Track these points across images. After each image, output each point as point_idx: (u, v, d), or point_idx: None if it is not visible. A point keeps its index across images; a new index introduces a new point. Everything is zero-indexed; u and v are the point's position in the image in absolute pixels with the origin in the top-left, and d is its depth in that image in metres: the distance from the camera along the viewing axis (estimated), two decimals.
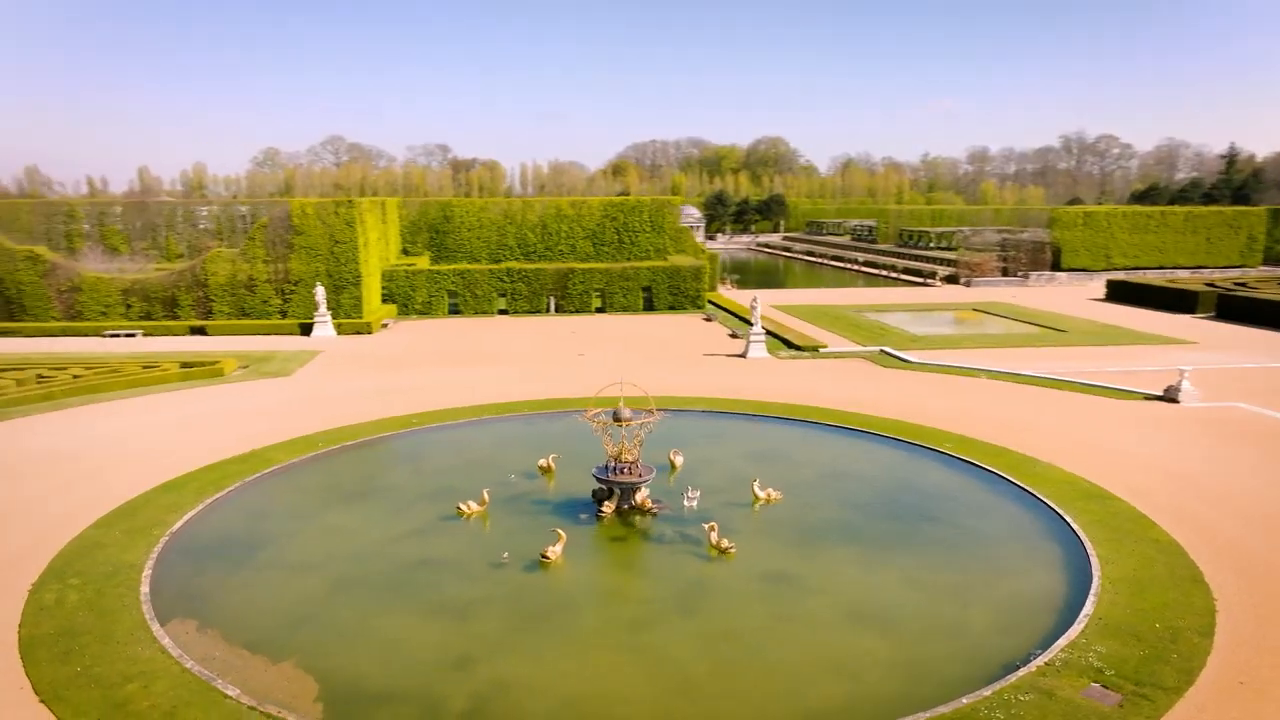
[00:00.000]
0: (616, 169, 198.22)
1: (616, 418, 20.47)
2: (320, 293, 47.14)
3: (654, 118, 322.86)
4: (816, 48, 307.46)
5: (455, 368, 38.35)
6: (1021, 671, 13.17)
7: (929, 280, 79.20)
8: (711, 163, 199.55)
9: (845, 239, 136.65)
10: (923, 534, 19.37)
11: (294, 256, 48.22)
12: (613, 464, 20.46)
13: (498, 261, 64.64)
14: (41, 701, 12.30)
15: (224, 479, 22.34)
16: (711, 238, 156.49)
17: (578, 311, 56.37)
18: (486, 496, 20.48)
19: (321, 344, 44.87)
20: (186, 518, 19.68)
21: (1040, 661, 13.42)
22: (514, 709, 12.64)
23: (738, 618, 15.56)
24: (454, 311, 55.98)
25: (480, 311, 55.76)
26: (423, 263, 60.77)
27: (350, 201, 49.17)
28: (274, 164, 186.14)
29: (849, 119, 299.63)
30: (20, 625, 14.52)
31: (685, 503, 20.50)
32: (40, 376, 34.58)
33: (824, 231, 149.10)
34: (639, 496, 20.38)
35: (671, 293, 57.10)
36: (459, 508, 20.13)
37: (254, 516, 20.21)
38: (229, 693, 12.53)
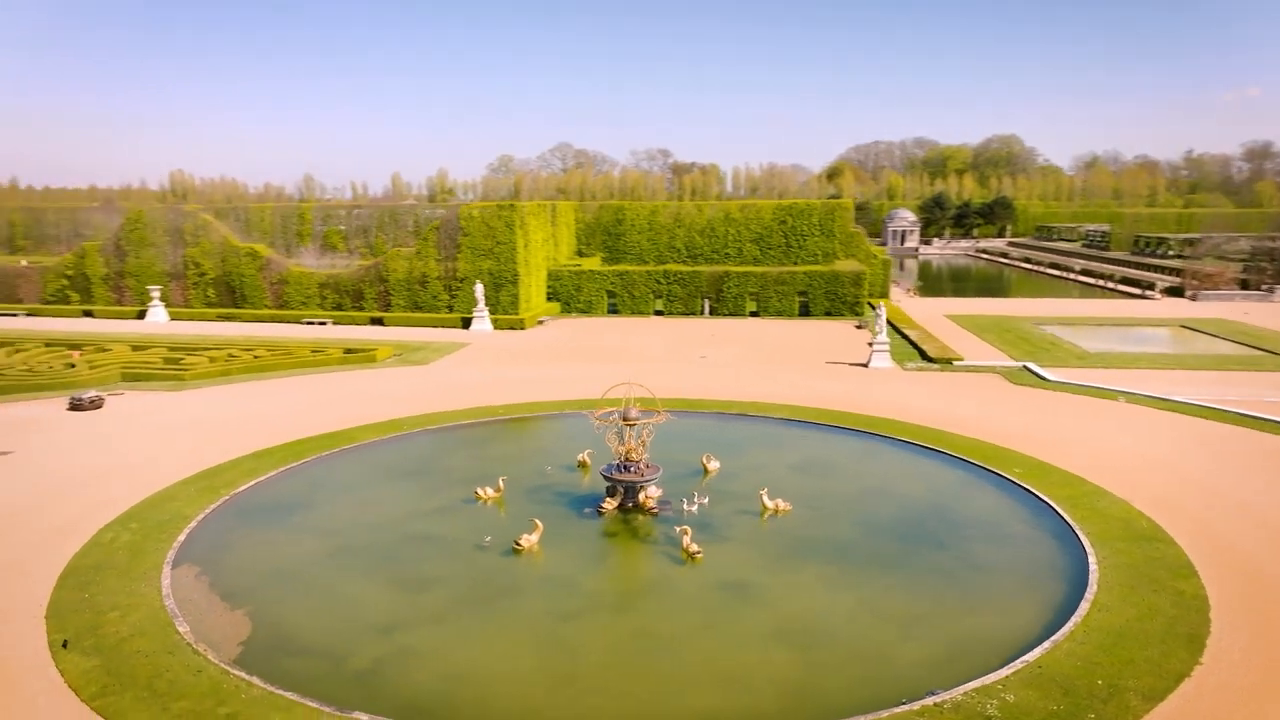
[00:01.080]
0: (833, 171, 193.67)
1: (624, 418, 20.95)
2: (479, 290, 50.90)
3: (879, 118, 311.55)
4: (1060, 41, 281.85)
5: (577, 364, 40.10)
6: (903, 708, 12.34)
7: (1147, 292, 71.10)
8: (935, 164, 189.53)
9: (1076, 245, 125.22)
10: (918, 560, 18.21)
11: (461, 256, 52.39)
12: (620, 463, 20.96)
13: (664, 263, 66.09)
14: (45, 618, 15.00)
15: (307, 451, 25.29)
16: (927, 242, 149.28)
17: (731, 315, 56.51)
18: (502, 484, 21.73)
19: (474, 337, 48.50)
20: (255, 482, 22.60)
21: (929, 701, 12.48)
22: (400, 674, 13.71)
23: (666, 620, 15.67)
24: (612, 311, 58.11)
25: (637, 312, 57.45)
26: (591, 264, 63.48)
27: (512, 206, 52.61)
28: (507, 169, 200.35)
29: (1099, 114, 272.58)
30: (72, 557, 17.61)
31: (686, 506, 20.62)
32: (231, 355, 40.39)
33: (1054, 236, 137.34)
34: (642, 496, 20.74)
35: (829, 298, 55.70)
36: (476, 493, 21.52)
37: (309, 486, 22.79)
38: (180, 629, 14.63)
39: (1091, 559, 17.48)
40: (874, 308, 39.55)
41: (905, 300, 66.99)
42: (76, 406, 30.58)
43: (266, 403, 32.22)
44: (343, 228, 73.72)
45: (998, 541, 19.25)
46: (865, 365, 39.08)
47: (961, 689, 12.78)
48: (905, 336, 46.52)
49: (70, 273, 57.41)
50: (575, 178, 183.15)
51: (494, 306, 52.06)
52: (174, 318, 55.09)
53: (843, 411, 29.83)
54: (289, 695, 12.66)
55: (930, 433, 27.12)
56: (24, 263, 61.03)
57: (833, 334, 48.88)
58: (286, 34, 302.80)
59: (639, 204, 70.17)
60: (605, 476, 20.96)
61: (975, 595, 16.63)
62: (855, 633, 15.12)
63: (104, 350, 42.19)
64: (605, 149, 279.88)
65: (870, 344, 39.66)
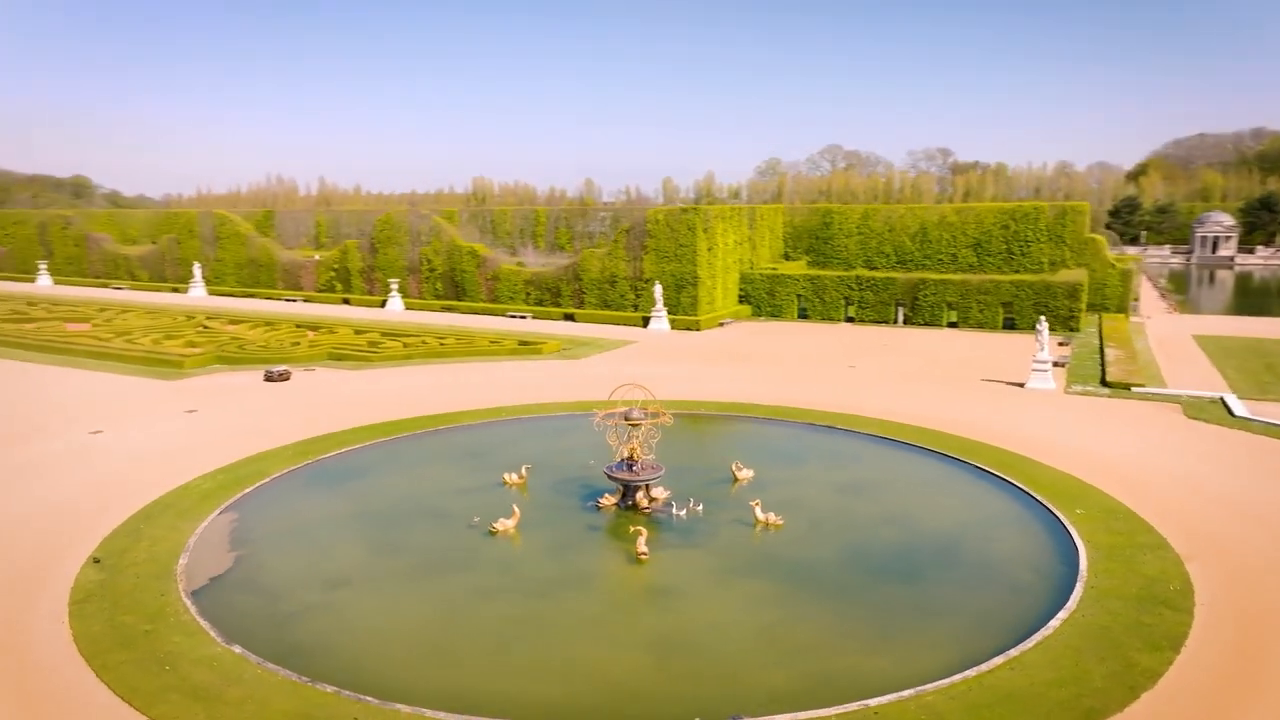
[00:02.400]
0: (1138, 170, 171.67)
1: (626, 418, 21.45)
2: (658, 290, 52.67)
3: (1202, 110, 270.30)
4: None
5: (719, 365, 40.44)
6: None
7: None
8: (1273, 159, 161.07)
9: None
10: (877, 592, 16.96)
11: (647, 257, 54.48)
12: (622, 462, 21.49)
13: (874, 268, 63.68)
14: (94, 562, 18.54)
15: (407, 429, 28.42)
16: (1248, 250, 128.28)
17: (927, 324, 53.34)
18: (525, 471, 23.12)
19: (646, 336, 50.33)
20: (339, 451, 25.92)
21: None
22: (312, 620, 15.65)
23: (558, 613, 16.06)
24: (802, 316, 57.23)
25: (827, 318, 56.10)
26: (791, 268, 62.77)
27: (695, 209, 53.71)
28: (774, 172, 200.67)
29: None
30: (157, 498, 21.61)
31: (675, 510, 20.72)
32: (423, 341, 45.71)
33: None
34: (639, 495, 21.11)
35: (1037, 310, 50.57)
36: (504, 478, 23.11)
37: (381, 459, 25.65)
38: (180, 561, 17.72)
39: (1077, 599, 15.25)
40: (1038, 323, 35.53)
41: (1159, 317, 58.89)
42: (269, 378, 36.54)
43: (412, 382, 36.28)
44: (576, 229, 79.13)
45: (984, 580, 17.36)
46: (1022, 386, 35.46)
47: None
48: (1104, 356, 41.29)
49: (336, 266, 67.47)
50: (838, 179, 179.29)
51: (674, 307, 53.54)
52: (408, 307, 62.84)
53: (941, 433, 27.63)
54: (203, 623, 15.07)
55: (1017, 461, 24.44)
56: (317, 256, 72.36)
57: (1015, 351, 44.52)
58: (571, 44, 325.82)
59: (848, 208, 67.97)
60: (606, 474, 21.59)
61: (903, 632, 15.27)
62: (731, 651, 14.64)
63: (331, 332, 49.53)
64: (880, 150, 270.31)
65: (1035, 361, 35.86)
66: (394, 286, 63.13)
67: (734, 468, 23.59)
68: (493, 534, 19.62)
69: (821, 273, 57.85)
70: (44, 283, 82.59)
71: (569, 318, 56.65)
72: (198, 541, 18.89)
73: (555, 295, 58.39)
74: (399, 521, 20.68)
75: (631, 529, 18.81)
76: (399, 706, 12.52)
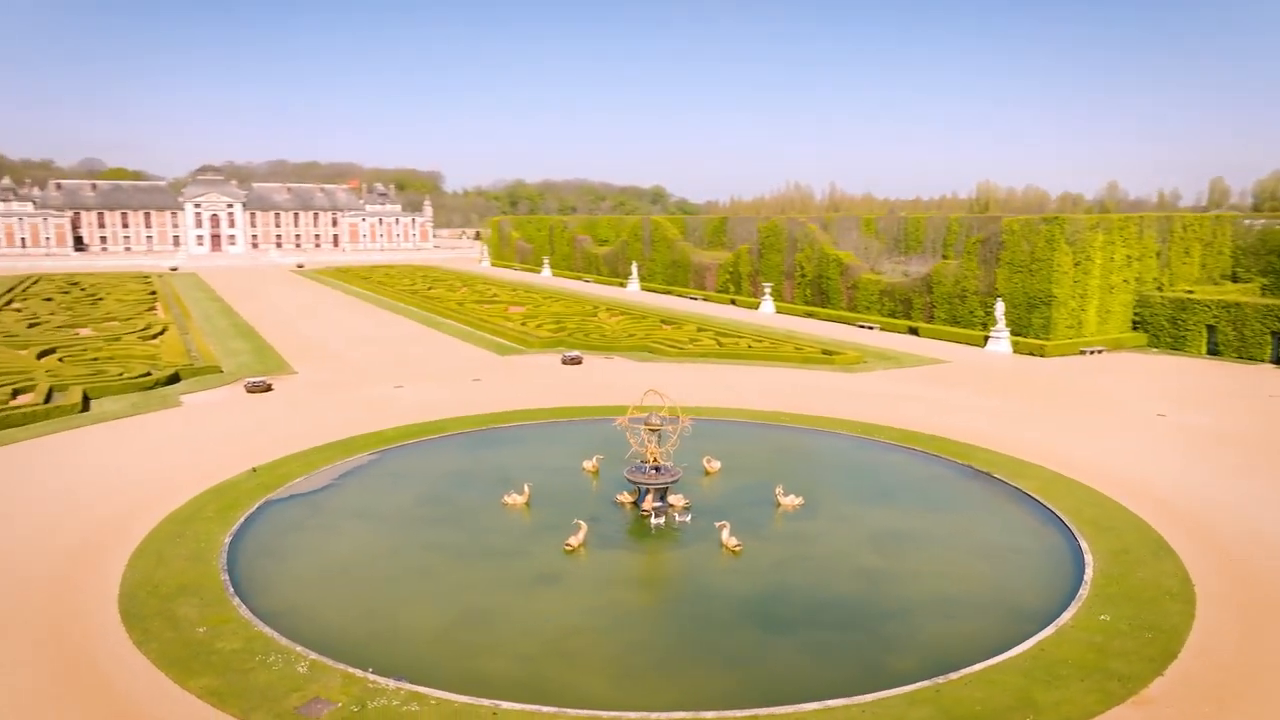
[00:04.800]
0: None
1: (647, 424, 22.08)
2: (999, 308, 47.34)
3: None
4: None
5: (1016, 401, 35.81)
6: None
7: None
8: None
9: None
10: (789, 636, 15.71)
11: (999, 271, 49.16)
12: (642, 465, 22.19)
13: None
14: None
15: (587, 415, 31.86)
16: None
17: None
18: (596, 463, 24.91)
19: (972, 357, 45.82)
20: (483, 429, 30.01)
21: (391, 683, 13.48)
22: (299, 555, 20.32)
23: (461, 584, 18.21)
24: (1212, 352, 46.11)
25: (1245, 356, 44.44)
26: (1236, 293, 50.22)
27: (1057, 219, 46.81)
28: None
29: None
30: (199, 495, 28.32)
31: (653, 519, 21.04)
32: (736, 341, 48.37)
33: None
34: (646, 500, 21.64)
35: None
36: (584, 466, 25.26)
37: (501, 441, 28.83)
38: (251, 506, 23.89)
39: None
40: None
41: None
42: (565, 361, 42.87)
43: (675, 378, 39.07)
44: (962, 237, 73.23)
45: (950, 605, 14.83)
46: None
47: None
48: None
49: (730, 269, 72.79)
50: None
51: (1022, 328, 47.58)
52: (778, 310, 65.36)
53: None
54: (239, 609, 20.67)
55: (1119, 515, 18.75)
56: (709, 260, 78.69)
57: None
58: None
59: None
60: (626, 476, 22.38)
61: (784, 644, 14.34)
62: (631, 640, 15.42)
63: (679, 328, 54.65)
64: None
65: None
66: (766, 290, 66.18)
67: (777, 493, 22.38)
68: (506, 507, 22.15)
69: (1242, 299, 45.73)
70: (545, 274, 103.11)
71: (913, 331, 53.67)
72: (288, 490, 24.95)
73: (907, 307, 55.69)
74: (424, 496, 24.28)
75: (576, 521, 19.81)
76: None
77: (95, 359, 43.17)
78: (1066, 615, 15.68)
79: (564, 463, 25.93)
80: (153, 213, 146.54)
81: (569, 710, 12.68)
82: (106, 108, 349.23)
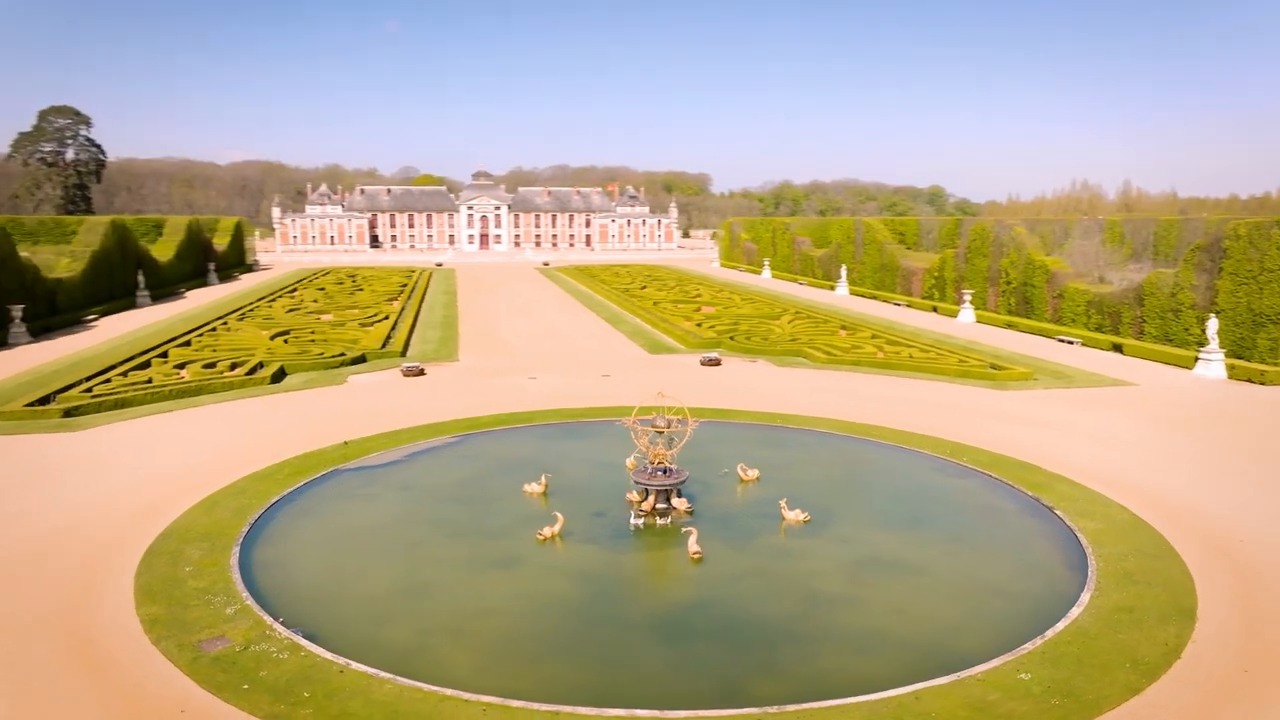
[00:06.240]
0: None
1: (653, 425, 22.21)
2: (1212, 326, 40.78)
3: None
4: None
5: (1124, 422, 31.32)
6: None
7: None
8: None
9: None
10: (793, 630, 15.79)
11: (1221, 283, 42.31)
12: (647, 466, 22.39)
13: None
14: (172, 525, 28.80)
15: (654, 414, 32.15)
16: None
17: None
18: (635, 460, 25.34)
19: (1170, 380, 40.05)
20: (566, 422, 31.15)
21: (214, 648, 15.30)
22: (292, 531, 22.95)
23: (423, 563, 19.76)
24: None
25: None
26: None
27: None
28: None
29: None
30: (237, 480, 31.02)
31: (632, 520, 21.22)
32: (896, 351, 46.02)
33: None
34: (647, 500, 21.84)
35: None
36: (627, 463, 25.81)
37: (574, 434, 29.80)
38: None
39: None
40: None
41: None
42: (703, 363, 43.23)
43: (804, 383, 38.49)
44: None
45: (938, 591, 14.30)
46: None
47: None
48: None
49: (936, 274, 68.40)
50: None
51: (1247, 350, 40.66)
52: (978, 320, 60.53)
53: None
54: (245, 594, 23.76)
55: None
56: (916, 265, 74.01)
57: None
58: None
59: None
60: (632, 477, 22.65)
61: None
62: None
63: (854, 331, 52.73)
64: None
65: None
66: (966, 298, 61.51)
67: (782, 507, 21.54)
68: (528, 495, 23.37)
69: None
70: (764, 276, 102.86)
71: (1116, 348, 47.51)
72: (357, 467, 27.68)
73: (1115, 321, 49.37)
74: (456, 477, 25.81)
75: (556, 513, 20.53)
76: None
77: (312, 340, 50.17)
78: None
79: (614, 458, 26.60)
80: (434, 214, 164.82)
81: (401, 679, 13.63)
82: (418, 121, 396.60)
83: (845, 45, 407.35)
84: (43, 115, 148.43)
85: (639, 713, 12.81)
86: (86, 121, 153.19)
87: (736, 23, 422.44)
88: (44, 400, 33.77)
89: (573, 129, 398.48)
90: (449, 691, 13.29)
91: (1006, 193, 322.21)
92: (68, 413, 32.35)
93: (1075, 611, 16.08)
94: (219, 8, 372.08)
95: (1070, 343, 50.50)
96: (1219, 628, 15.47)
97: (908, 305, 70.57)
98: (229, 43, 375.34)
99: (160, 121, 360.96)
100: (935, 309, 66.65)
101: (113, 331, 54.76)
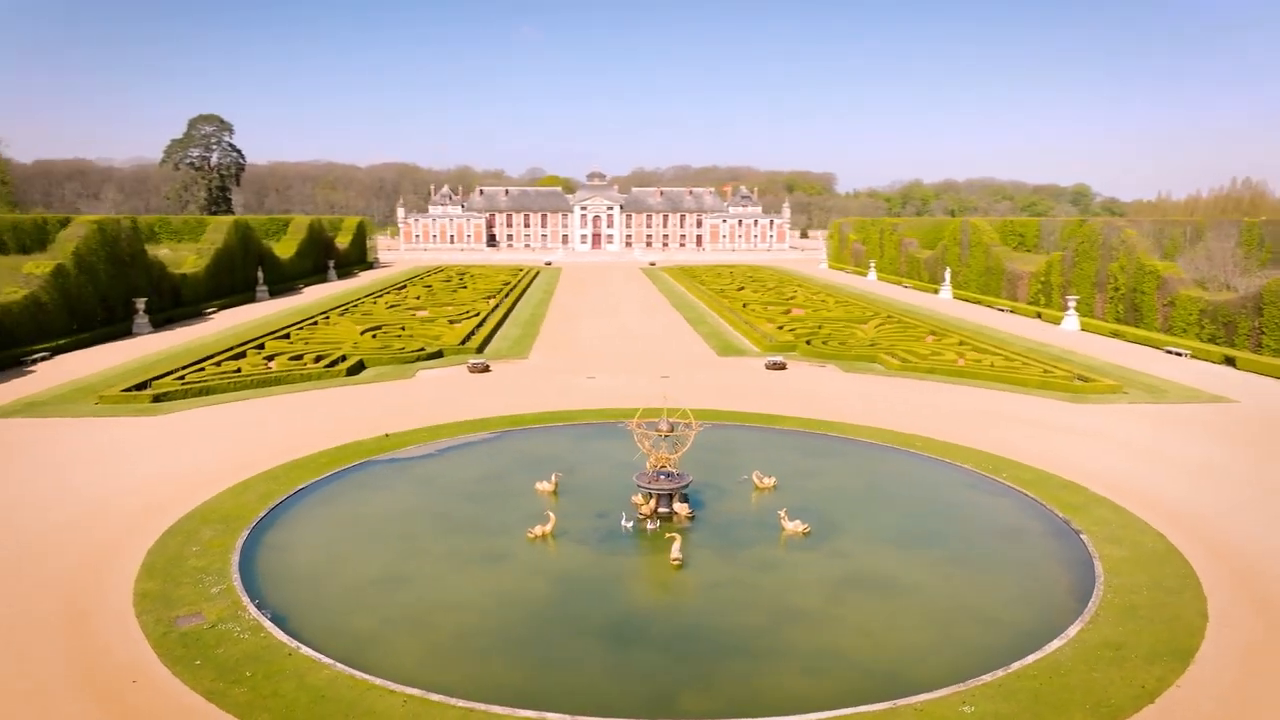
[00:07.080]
0: None
1: (657, 429, 22.04)
2: None
3: None
4: None
5: (1211, 446, 28.72)
6: None
7: None
8: None
9: None
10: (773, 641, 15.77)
11: None
12: (650, 471, 22.23)
13: None
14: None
15: (700, 419, 31.87)
16: None
17: None
18: (556, 479, 24.71)
19: (1267, 401, 36.45)
20: (605, 422, 30.89)
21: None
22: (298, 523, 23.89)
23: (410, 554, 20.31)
24: None
25: None
26: None
27: None
28: None
29: None
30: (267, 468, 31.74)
31: (622, 523, 21.16)
32: (977, 359, 43.86)
33: None
34: (649, 504, 21.71)
35: None
36: (537, 486, 25.58)
37: (608, 434, 29.37)
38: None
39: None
40: None
41: None
42: (769, 366, 42.50)
43: (843, 388, 37.33)
44: None
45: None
46: None
47: None
48: None
49: (1042, 279, 64.63)
50: None
51: None
52: (1084, 328, 56.77)
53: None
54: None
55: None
56: (1023, 269, 70.01)
57: None
58: None
59: None
60: (635, 480, 22.47)
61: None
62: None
63: (942, 337, 50.62)
64: None
65: None
66: (1070, 304, 57.77)
67: (782, 517, 20.94)
68: (539, 493, 23.62)
69: None
70: (870, 278, 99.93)
71: (1229, 362, 43.60)
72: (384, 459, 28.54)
73: (1230, 331, 45.31)
74: (478, 474, 26.16)
75: (545, 512, 20.68)
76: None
77: (399, 336, 52.28)
78: None
79: (637, 459, 26.49)
80: (548, 214, 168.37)
81: (339, 665, 14.14)
82: (548, 125, 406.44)
83: (988, 39, 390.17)
84: (192, 123, 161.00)
85: (549, 715, 12.80)
86: (229, 128, 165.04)
87: (869, 20, 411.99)
88: (141, 386, 36.62)
89: (696, 128, 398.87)
90: (377, 681, 13.68)
91: (1158, 190, 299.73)
92: (157, 398, 35.05)
93: (1056, 644, 14.97)
94: (371, 26, 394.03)
95: (1179, 354, 46.68)
96: (1214, 674, 14.05)
97: (1012, 311, 66.99)
98: (378, 52, 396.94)
99: (307, 126, 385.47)
100: (1039, 315, 62.95)
101: (226, 324, 58.77)
